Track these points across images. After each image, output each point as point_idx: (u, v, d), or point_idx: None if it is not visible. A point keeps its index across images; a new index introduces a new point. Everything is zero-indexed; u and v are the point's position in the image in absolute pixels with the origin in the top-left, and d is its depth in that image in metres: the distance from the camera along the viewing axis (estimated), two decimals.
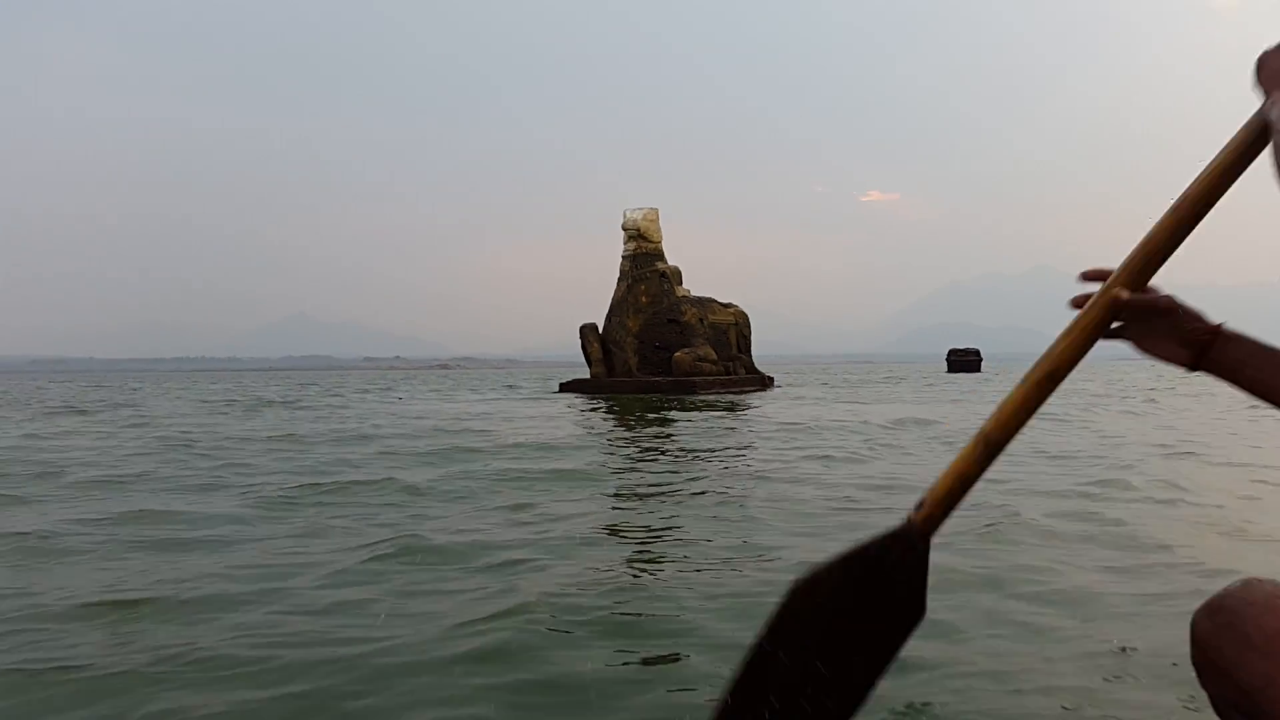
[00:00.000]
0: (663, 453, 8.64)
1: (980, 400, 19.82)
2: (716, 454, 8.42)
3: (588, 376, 30.72)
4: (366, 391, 30.39)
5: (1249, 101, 1.03)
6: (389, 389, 33.84)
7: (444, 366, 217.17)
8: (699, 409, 16.76)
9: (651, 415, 15.00)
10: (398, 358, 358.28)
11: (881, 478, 6.52)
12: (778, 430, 11.34)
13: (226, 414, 16.44)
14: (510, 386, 35.96)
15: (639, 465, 7.64)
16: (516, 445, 9.30)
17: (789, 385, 33.68)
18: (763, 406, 17.87)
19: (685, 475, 6.78)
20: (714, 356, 30.16)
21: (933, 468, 6.36)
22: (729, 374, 30.66)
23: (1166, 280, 1.09)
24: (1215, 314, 1.08)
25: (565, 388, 30.08)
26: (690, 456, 8.25)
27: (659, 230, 31.24)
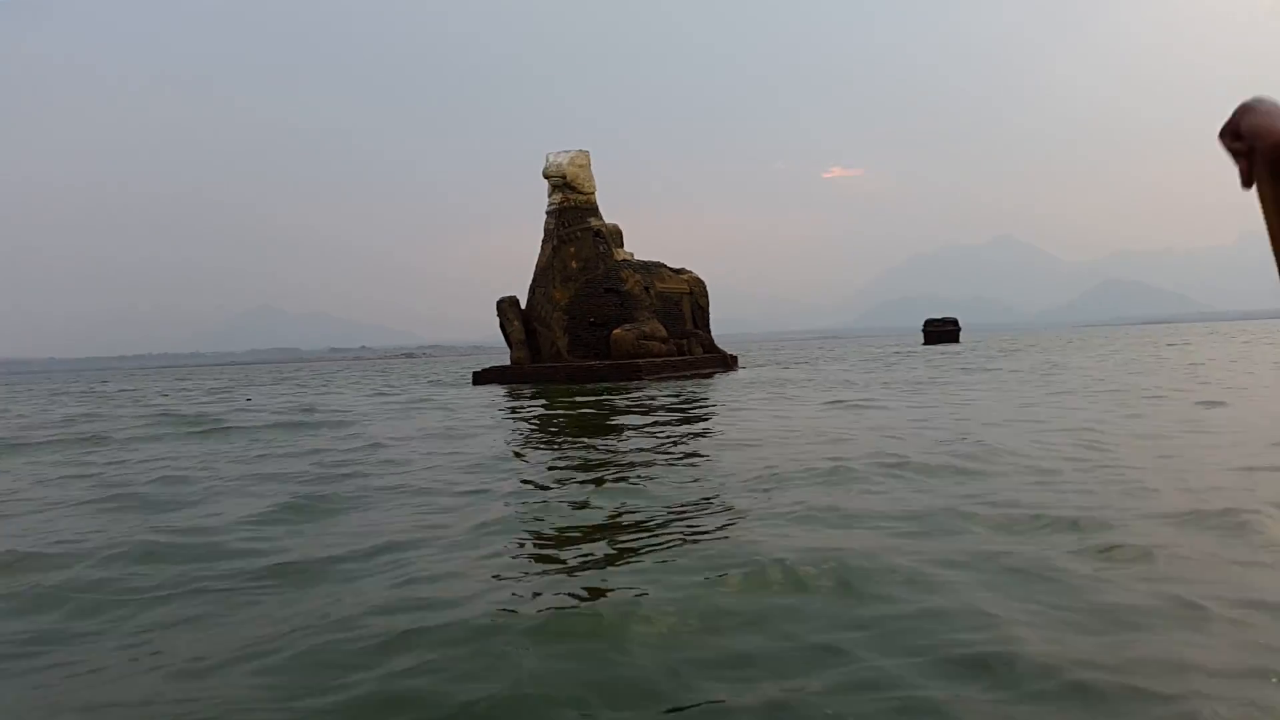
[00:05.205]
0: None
1: (1021, 380, 14.12)
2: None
3: (508, 363, 24.80)
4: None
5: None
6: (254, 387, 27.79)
7: (409, 355, 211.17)
8: (642, 410, 10.89)
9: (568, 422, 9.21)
10: (364, 348, 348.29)
11: None
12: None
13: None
14: (430, 380, 29.99)
15: None
16: None
17: (759, 365, 28.01)
18: (737, 403, 12.06)
19: None
20: (663, 333, 24.29)
21: None
22: (683, 354, 24.82)
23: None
24: None
25: (480, 378, 24.16)
26: None
27: (591, 178, 25.14)
